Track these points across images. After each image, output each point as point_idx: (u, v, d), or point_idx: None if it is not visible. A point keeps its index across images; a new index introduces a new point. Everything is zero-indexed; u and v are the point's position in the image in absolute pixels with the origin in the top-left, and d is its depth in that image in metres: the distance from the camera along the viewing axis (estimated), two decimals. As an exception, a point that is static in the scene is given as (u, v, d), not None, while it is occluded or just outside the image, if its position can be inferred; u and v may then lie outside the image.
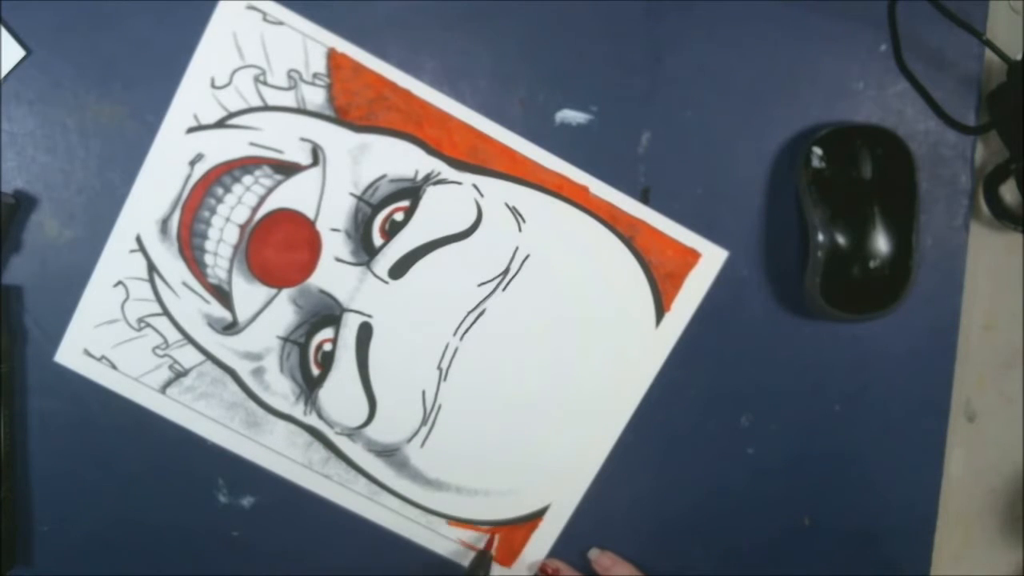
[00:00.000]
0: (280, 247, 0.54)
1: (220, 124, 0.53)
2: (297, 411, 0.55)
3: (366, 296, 0.54)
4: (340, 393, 0.55)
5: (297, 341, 0.54)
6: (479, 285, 0.55)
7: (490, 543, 0.56)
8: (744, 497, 0.57)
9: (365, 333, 0.55)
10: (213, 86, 0.53)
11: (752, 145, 0.56)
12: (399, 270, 0.54)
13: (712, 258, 0.56)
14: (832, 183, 0.54)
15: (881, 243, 0.55)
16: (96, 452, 0.55)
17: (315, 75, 0.53)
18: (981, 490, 0.60)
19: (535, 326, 0.55)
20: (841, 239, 0.54)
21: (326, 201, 0.54)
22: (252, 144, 0.53)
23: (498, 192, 0.55)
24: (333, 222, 0.54)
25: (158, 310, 0.54)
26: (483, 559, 0.55)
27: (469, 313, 0.55)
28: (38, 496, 0.55)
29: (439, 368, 0.55)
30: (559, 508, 0.57)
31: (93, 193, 0.53)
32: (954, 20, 0.53)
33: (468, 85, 0.54)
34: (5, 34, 0.52)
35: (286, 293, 0.54)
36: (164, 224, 0.54)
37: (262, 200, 0.54)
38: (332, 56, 0.53)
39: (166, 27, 0.53)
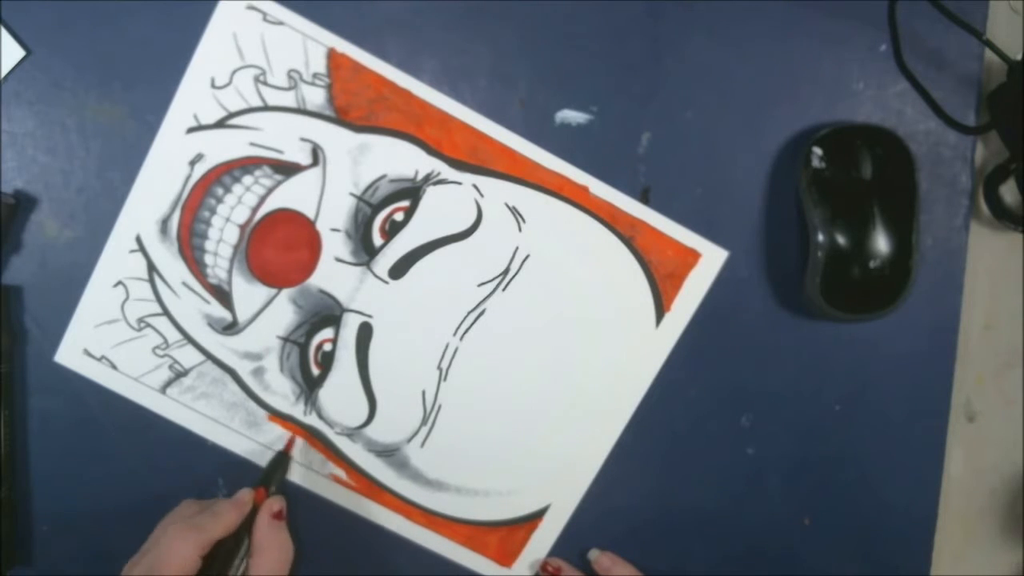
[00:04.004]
0: (280, 247, 0.54)
1: (220, 124, 0.53)
2: (297, 411, 0.55)
3: (366, 296, 0.54)
4: (340, 393, 0.55)
5: (297, 341, 0.54)
6: (479, 285, 0.55)
7: (290, 443, 0.55)
8: (744, 497, 0.57)
9: (365, 333, 0.55)
10: (213, 86, 0.53)
11: (752, 145, 0.56)
12: (399, 270, 0.54)
13: (712, 258, 0.56)
14: (832, 183, 0.54)
15: (881, 243, 0.55)
16: (96, 452, 0.55)
17: (315, 75, 0.53)
18: (981, 490, 0.60)
19: (535, 326, 0.55)
20: (841, 239, 0.54)
21: (326, 201, 0.54)
22: (252, 144, 0.53)
23: (498, 192, 0.55)
24: (333, 222, 0.54)
25: (158, 310, 0.54)
26: (281, 460, 0.54)
27: (469, 313, 0.55)
28: (38, 496, 0.55)
29: (439, 368, 0.55)
30: (559, 508, 0.57)
31: (93, 193, 0.53)
32: (954, 20, 0.53)
33: (468, 85, 0.54)
34: (5, 34, 0.52)
35: (286, 293, 0.54)
36: (164, 224, 0.54)
37: (262, 200, 0.54)
38: (332, 56, 0.53)
39: (166, 27, 0.53)
